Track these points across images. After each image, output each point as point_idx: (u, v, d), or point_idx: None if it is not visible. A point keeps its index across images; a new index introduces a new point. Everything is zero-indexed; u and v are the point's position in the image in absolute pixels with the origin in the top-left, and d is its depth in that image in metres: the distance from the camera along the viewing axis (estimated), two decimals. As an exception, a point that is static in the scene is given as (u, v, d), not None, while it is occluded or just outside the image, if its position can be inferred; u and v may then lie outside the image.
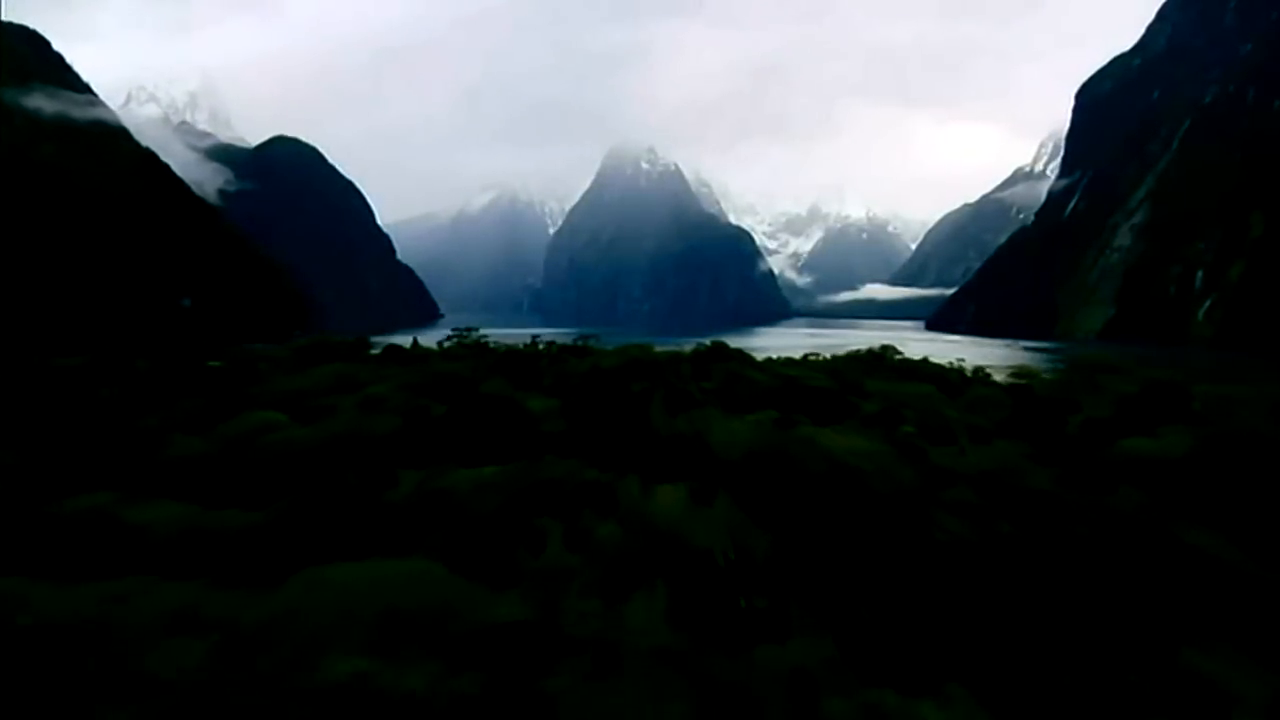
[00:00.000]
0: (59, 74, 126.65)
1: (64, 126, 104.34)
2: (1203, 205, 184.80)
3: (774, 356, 22.31)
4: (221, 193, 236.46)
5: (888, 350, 21.47)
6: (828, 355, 24.67)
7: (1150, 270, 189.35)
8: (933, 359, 26.57)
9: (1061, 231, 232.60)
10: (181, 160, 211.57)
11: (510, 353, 21.11)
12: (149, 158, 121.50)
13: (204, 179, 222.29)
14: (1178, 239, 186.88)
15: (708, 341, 20.68)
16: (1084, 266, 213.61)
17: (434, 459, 9.39)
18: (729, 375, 13.07)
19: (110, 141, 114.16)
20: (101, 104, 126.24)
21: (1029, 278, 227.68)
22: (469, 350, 21.70)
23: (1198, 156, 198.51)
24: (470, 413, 10.30)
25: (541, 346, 26.18)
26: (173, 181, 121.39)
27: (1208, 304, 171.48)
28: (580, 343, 30.06)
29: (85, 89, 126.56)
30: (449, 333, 23.65)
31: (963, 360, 23.68)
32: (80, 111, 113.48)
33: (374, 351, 31.02)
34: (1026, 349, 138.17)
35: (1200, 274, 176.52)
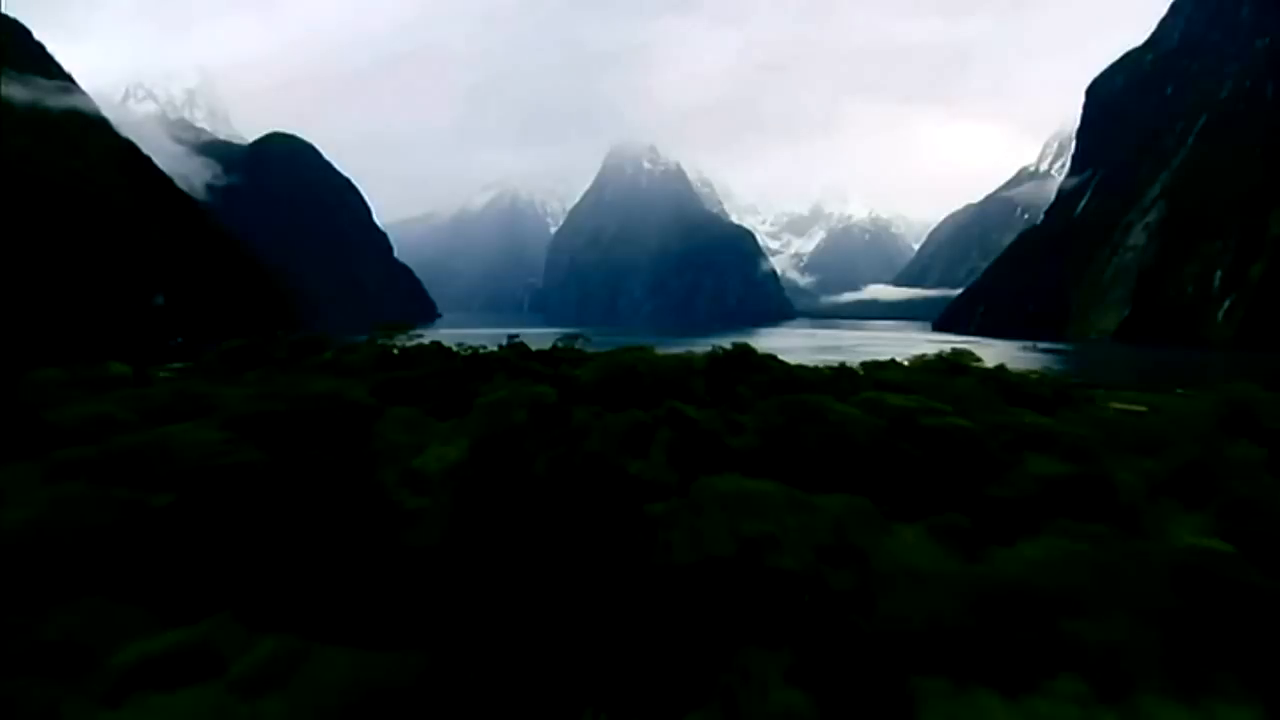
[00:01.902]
0: (39, 63, 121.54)
1: (35, 115, 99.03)
2: (1220, 203, 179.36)
3: (816, 364, 17.21)
4: (209, 187, 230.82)
5: (963, 356, 16.35)
6: (888, 359, 19.57)
7: (1166, 270, 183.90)
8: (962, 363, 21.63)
9: (1073, 230, 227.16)
10: (169, 154, 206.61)
11: (450, 366, 16.15)
12: (129, 149, 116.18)
13: (191, 173, 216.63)
14: (1194, 238, 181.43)
15: (727, 344, 15.64)
16: (1097, 266, 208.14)
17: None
18: (793, 408, 7.84)
19: (87, 132, 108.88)
20: (79, 93, 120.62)
21: (1039, 278, 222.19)
22: (392, 360, 16.67)
23: (1214, 153, 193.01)
24: (218, 514, 5.18)
25: (508, 349, 21.08)
26: (153, 174, 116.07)
27: (1227, 304, 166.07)
28: (565, 344, 24.78)
29: (65, 78, 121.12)
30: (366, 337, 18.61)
31: (1048, 370, 18.58)
32: (54, 100, 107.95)
33: (327, 356, 25.81)
34: (1044, 350, 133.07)
35: (1219, 274, 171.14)
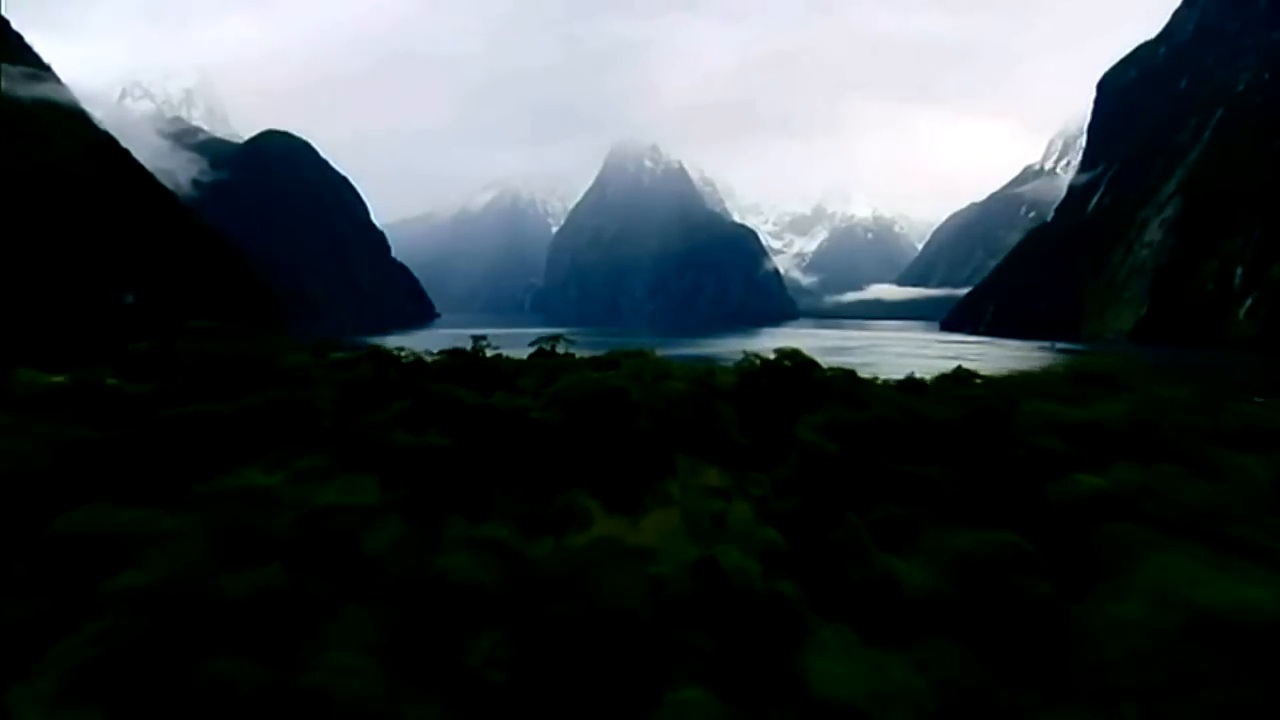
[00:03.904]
0: (14, 52, 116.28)
1: (2, 104, 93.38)
2: (1239, 199, 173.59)
3: (878, 377, 11.94)
4: (196, 183, 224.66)
5: (1116, 369, 10.99)
6: (968, 371, 14.29)
7: (1184, 267, 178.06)
8: (970, 364, 16.74)
9: (1085, 228, 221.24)
10: (155, 150, 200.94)
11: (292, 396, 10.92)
12: (106, 142, 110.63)
13: (178, 169, 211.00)
14: (1213, 234, 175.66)
15: (769, 352, 10.38)
16: (1111, 264, 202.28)
17: None
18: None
19: (60, 122, 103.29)
20: (53, 82, 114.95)
21: (1051, 276, 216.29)
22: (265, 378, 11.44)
23: (1232, 147, 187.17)
24: None
25: (435, 357, 15.90)
26: (131, 168, 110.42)
27: (1249, 303, 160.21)
28: (548, 345, 19.27)
29: (40, 66, 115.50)
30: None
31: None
32: (24, 89, 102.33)
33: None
34: (1063, 351, 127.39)
35: (1239, 271, 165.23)
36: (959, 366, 17.72)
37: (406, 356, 16.78)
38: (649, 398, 7.94)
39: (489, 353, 17.47)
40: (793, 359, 9.59)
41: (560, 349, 19.29)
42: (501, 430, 7.36)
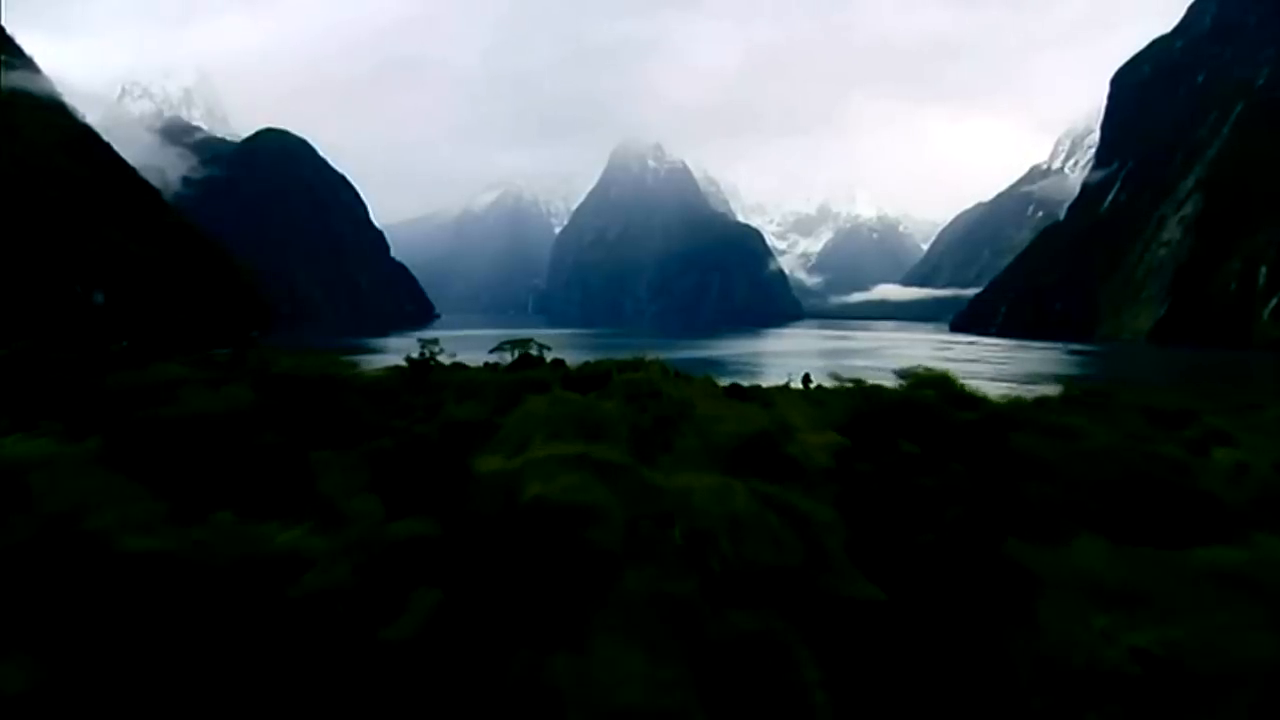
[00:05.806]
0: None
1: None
2: (1260, 196, 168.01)
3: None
4: (186, 180, 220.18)
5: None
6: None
7: (1204, 266, 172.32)
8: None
9: (1100, 226, 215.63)
10: (143, 145, 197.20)
11: None
12: (84, 135, 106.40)
13: (167, 166, 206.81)
14: (1234, 232, 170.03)
15: (879, 375, 5.53)
16: (1128, 263, 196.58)
17: None
18: None
19: (34, 114, 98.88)
20: (29, 71, 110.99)
21: (1065, 276, 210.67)
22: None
23: (1253, 142, 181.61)
24: None
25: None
26: (111, 162, 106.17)
27: (1273, 303, 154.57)
28: (526, 351, 14.07)
29: (18, 56, 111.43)
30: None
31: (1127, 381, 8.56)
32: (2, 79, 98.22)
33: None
34: (1081, 353, 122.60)
35: (1264, 270, 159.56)
36: (1069, 383, 12.92)
37: (344, 363, 11.49)
38: (649, 520, 3.16)
39: (446, 361, 12.37)
40: (943, 389, 4.54)
41: (548, 356, 14.14)
42: (218, 638, 3.03)
